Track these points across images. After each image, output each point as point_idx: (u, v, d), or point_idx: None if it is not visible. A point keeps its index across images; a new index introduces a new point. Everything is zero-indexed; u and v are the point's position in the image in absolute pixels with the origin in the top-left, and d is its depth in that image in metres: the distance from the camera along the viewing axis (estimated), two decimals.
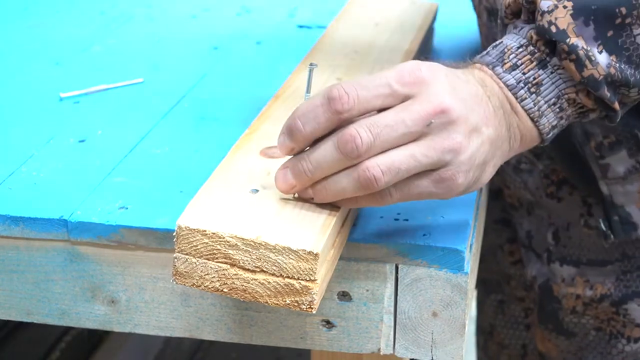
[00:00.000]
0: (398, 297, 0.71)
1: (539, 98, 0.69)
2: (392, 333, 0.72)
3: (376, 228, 0.72)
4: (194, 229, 0.63)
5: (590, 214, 0.93)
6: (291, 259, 0.62)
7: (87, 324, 0.77)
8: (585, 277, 0.96)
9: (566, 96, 0.69)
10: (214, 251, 0.63)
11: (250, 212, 0.65)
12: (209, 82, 1.03)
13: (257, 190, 0.67)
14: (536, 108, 0.69)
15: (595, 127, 0.87)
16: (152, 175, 0.80)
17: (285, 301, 0.63)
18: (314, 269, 0.62)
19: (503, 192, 1.09)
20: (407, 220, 0.73)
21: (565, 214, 0.96)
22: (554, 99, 0.69)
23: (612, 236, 0.90)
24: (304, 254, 0.61)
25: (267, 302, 0.63)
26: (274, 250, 0.62)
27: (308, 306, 0.62)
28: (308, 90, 0.67)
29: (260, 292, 0.63)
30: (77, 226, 0.73)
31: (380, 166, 0.62)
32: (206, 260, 0.63)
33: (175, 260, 0.64)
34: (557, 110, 0.69)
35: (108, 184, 0.79)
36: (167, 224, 0.72)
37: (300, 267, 0.62)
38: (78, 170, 0.81)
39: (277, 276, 0.62)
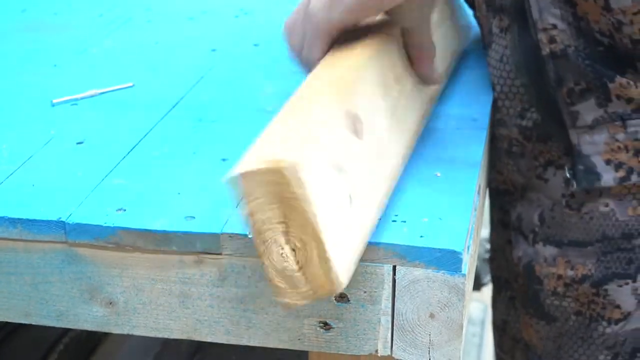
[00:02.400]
0: (395, 299, 0.71)
1: None
2: (389, 335, 0.72)
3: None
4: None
5: (572, 195, 0.95)
6: None
7: (85, 326, 0.77)
8: (566, 258, 0.97)
9: None
10: None
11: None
12: (207, 84, 1.03)
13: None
14: None
15: (567, 72, 0.89)
16: (150, 177, 0.81)
17: None
18: None
19: (499, 190, 1.10)
20: (404, 221, 0.73)
21: (550, 195, 0.97)
22: None
23: (574, 184, 0.92)
24: None
25: None
26: None
27: None
28: None
29: None
30: (75, 228, 0.73)
31: None
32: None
33: None
34: None
35: (106, 186, 0.79)
36: (165, 226, 0.72)
37: None
38: (76, 172, 0.81)
39: None
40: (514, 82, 0.98)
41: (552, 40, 0.89)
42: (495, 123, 1.02)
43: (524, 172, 1.01)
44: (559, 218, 0.97)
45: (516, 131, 1.00)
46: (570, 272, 0.97)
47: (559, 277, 0.97)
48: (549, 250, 0.98)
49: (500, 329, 1.19)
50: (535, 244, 0.99)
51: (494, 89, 1.00)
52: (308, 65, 0.81)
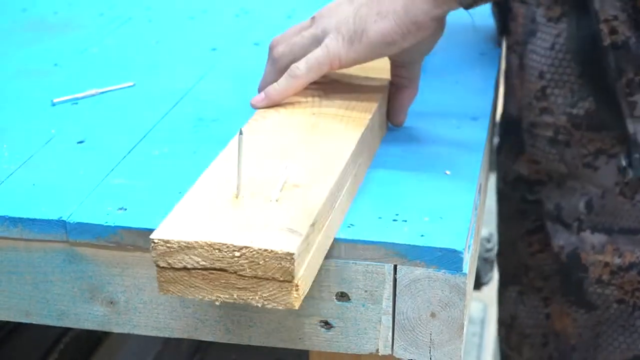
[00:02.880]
0: (396, 298, 0.71)
1: None
2: (390, 334, 0.72)
3: (374, 229, 0.72)
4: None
5: (626, 183, 0.96)
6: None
7: (86, 325, 0.77)
8: (615, 245, 0.98)
9: None
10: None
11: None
12: (207, 83, 1.03)
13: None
14: None
15: (627, 63, 0.90)
16: (151, 176, 0.81)
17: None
18: None
19: (521, 180, 1.09)
20: (405, 220, 0.73)
21: (599, 183, 0.98)
22: None
23: (630, 172, 0.93)
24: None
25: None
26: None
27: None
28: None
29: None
30: (75, 227, 0.73)
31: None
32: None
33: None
34: None
35: (107, 185, 0.79)
36: None
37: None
38: (77, 172, 0.81)
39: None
40: (565, 70, 0.99)
41: (613, 31, 0.90)
42: (539, 111, 1.02)
43: (567, 160, 1.01)
44: (609, 206, 0.98)
45: (564, 119, 1.00)
46: (617, 260, 0.98)
47: (606, 264, 0.99)
48: (598, 238, 0.99)
49: (507, 324, 1.19)
50: (580, 232, 1.00)
51: (541, 77, 1.00)
52: (288, 81, 0.83)
